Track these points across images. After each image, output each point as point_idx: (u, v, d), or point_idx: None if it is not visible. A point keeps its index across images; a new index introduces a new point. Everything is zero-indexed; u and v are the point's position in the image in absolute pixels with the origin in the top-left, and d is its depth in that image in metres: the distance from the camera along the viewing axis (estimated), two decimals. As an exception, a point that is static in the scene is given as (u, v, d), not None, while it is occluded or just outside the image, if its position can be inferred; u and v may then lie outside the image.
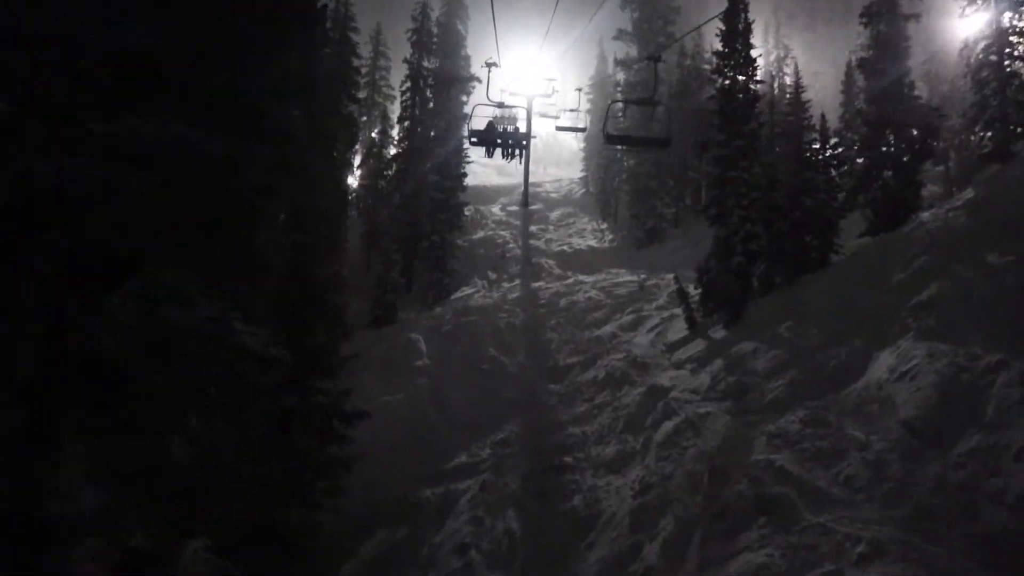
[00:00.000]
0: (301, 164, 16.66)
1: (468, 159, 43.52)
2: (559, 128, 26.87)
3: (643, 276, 33.13)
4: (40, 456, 8.87)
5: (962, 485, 9.88)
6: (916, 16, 28.76)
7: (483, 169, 64.13)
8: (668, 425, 16.37)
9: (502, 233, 45.95)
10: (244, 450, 11.14)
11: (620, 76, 50.34)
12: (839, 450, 11.86)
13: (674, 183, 45.55)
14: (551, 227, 48.06)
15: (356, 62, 43.58)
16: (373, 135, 51.46)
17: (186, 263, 9.86)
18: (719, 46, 25.65)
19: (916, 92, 27.26)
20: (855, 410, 12.93)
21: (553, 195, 57.25)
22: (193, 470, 9.72)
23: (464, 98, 44.80)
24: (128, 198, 9.15)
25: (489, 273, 39.50)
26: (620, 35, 50.51)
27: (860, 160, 32.51)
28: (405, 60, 45.71)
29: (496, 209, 51.65)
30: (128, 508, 9.32)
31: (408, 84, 45.37)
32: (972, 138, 37.75)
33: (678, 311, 25.20)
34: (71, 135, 8.69)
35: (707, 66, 48.35)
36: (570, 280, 35.50)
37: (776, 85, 45.56)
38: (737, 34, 25.16)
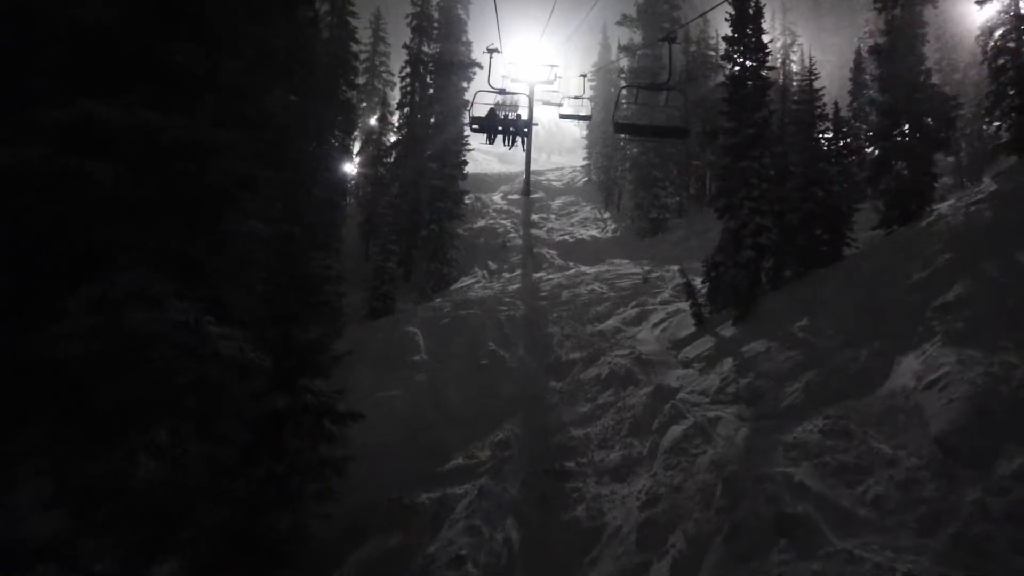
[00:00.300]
0: (289, 151, 15.83)
1: (468, 147, 42.70)
2: (563, 116, 26.04)
3: (647, 268, 32.37)
4: (-10, 475, 8.07)
5: (1008, 514, 8.99)
6: (933, 1, 27.81)
7: (484, 157, 63.32)
8: (676, 430, 15.51)
9: (503, 222, 45.16)
10: (221, 463, 10.28)
11: (624, 62, 49.33)
12: (864, 465, 10.97)
13: (678, 172, 44.77)
14: (553, 216, 47.27)
15: (355, 47, 42.80)
16: (372, 122, 50.62)
17: (155, 261, 9.01)
18: (728, 31, 24.65)
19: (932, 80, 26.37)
20: (879, 420, 12.01)
21: (555, 183, 56.39)
22: (164, 488, 8.89)
23: (465, 84, 43.97)
24: (87, 191, 8.29)
25: (489, 263, 38.75)
26: (624, 21, 49.46)
27: (869, 150, 31.76)
28: (405, 46, 44.82)
29: (497, 197, 50.83)
30: (91, 530, 8.51)
31: (408, 70, 44.48)
32: (984, 128, 37.04)
33: (684, 305, 24.33)
34: (21, 122, 7.81)
35: (712, 52, 47.64)
36: (572, 271, 34.76)
37: (783, 73, 44.51)
38: (747, 18, 24.17)
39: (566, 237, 42.74)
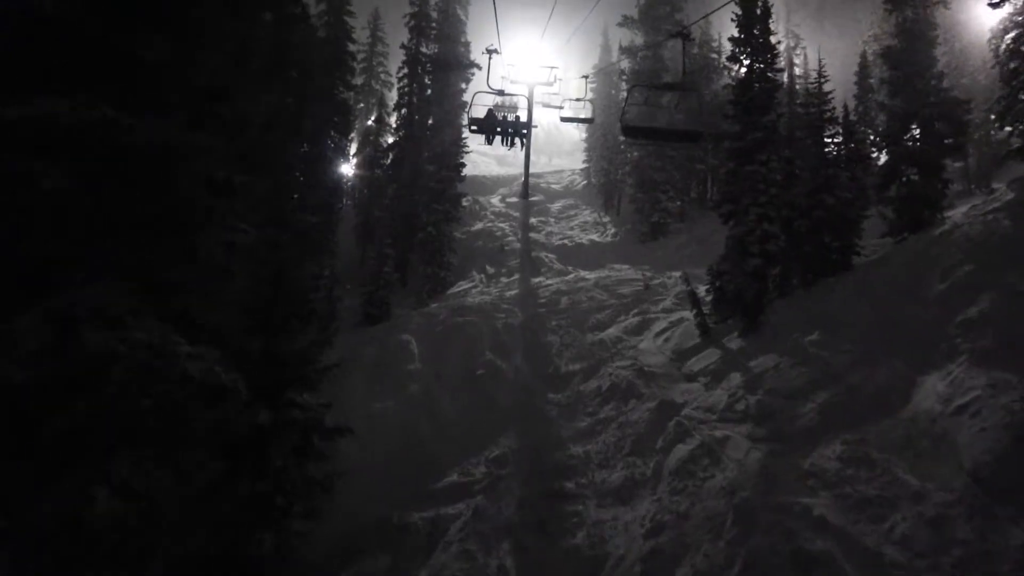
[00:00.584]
0: (277, 153, 15.04)
1: (467, 148, 41.99)
2: (564, 119, 25.37)
3: (648, 274, 31.57)
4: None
5: (1061, 562, 8.21)
6: (944, 2, 27.09)
7: (483, 159, 62.60)
8: (682, 449, 14.68)
9: (501, 225, 44.43)
10: (195, 489, 9.46)
11: (625, 64, 48.57)
12: (888, 498, 10.15)
13: (680, 176, 43.97)
14: (552, 219, 46.54)
15: (352, 47, 41.96)
16: (370, 123, 49.84)
17: (118, 275, 8.20)
18: (735, 32, 23.87)
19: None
20: (902, 447, 11.18)
21: (554, 186, 55.67)
22: (123, 524, 8.07)
23: (463, 85, 43.21)
24: (42, 198, 7.49)
25: (487, 267, 37.99)
26: (625, 22, 48.65)
27: (877, 155, 31.03)
28: (403, 46, 44.03)
29: (495, 200, 50.11)
30: (41, 574, 7.70)
31: (405, 70, 43.62)
32: (992, 133, 36.34)
33: (687, 314, 23.53)
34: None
35: (715, 55, 46.92)
36: (571, 276, 33.99)
37: (788, 76, 43.82)
38: (755, 19, 23.41)
39: (565, 241, 42.01)
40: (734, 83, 23.76)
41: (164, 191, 8.50)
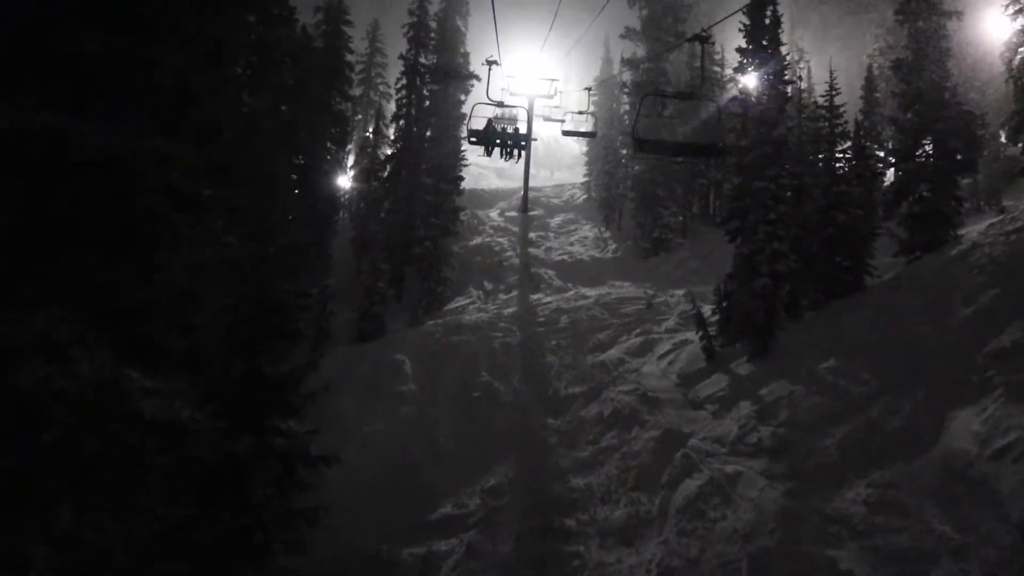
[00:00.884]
0: (261, 164, 14.14)
1: (465, 161, 41.20)
2: (565, 133, 24.47)
3: (651, 292, 30.60)
4: None
5: None
6: (958, 14, 26.40)
7: (481, 172, 61.75)
8: (690, 485, 13.69)
9: (500, 240, 43.50)
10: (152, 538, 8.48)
11: (626, 76, 47.83)
12: (925, 552, 9.17)
13: (682, 190, 43.06)
14: (551, 234, 45.63)
15: (349, 57, 41.27)
16: (367, 134, 49.04)
17: (65, 299, 7.27)
18: (743, 42, 23.04)
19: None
20: (936, 492, 10.19)
21: (554, 200, 54.81)
22: (67, 582, 7.11)
23: (463, 97, 42.45)
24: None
25: (485, 283, 37.05)
26: (628, 34, 48.00)
27: (886, 170, 30.22)
28: (401, 56, 43.19)
29: (494, 214, 49.21)
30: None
31: (404, 81, 42.81)
32: (1002, 149, 35.54)
33: (691, 335, 22.56)
34: None
35: (717, 68, 46.15)
36: (571, 293, 33.03)
37: (790, 89, 43.05)
38: (763, 29, 22.61)
39: (565, 256, 41.08)
40: (741, 95, 22.92)
41: (118, 205, 7.58)
